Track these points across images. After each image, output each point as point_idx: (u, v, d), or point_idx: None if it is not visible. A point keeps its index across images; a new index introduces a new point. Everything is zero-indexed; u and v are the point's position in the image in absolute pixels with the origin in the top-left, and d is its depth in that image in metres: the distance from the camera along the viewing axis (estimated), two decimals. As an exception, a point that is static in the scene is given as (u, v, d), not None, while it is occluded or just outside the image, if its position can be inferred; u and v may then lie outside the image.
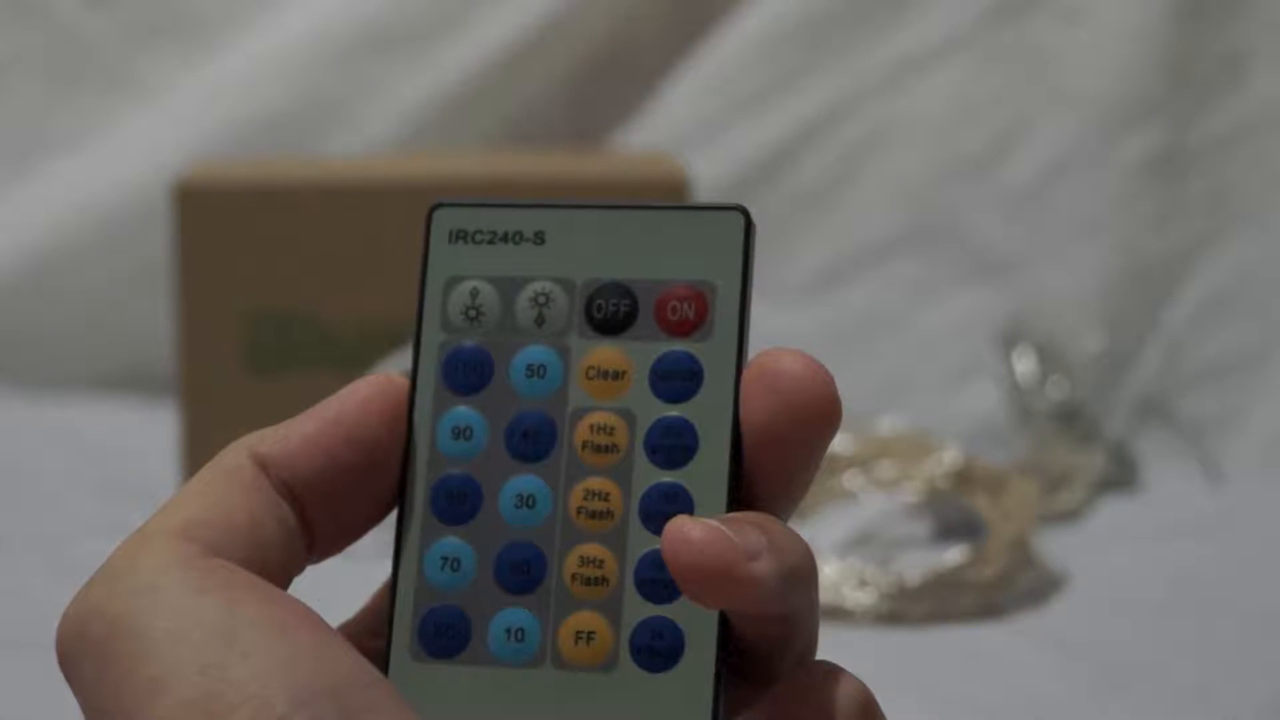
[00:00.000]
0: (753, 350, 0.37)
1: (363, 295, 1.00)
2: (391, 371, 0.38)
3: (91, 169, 1.30)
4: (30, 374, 1.27)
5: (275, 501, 0.36)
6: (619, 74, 1.31)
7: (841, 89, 1.25)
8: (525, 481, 0.37)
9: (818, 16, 1.25)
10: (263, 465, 0.37)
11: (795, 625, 0.36)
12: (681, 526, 0.34)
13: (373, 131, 1.28)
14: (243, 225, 1.00)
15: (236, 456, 0.37)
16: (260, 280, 1.01)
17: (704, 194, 1.13)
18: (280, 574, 0.36)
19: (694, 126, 1.26)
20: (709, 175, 1.20)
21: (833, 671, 0.36)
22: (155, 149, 1.26)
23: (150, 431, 1.10)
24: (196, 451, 0.98)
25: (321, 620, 0.35)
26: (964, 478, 0.93)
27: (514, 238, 0.39)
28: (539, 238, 0.38)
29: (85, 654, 0.34)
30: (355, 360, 0.98)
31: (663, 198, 0.97)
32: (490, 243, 0.39)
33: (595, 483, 0.37)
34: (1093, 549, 0.93)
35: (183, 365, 1.00)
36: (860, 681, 0.36)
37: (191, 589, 0.34)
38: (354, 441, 0.37)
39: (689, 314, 0.37)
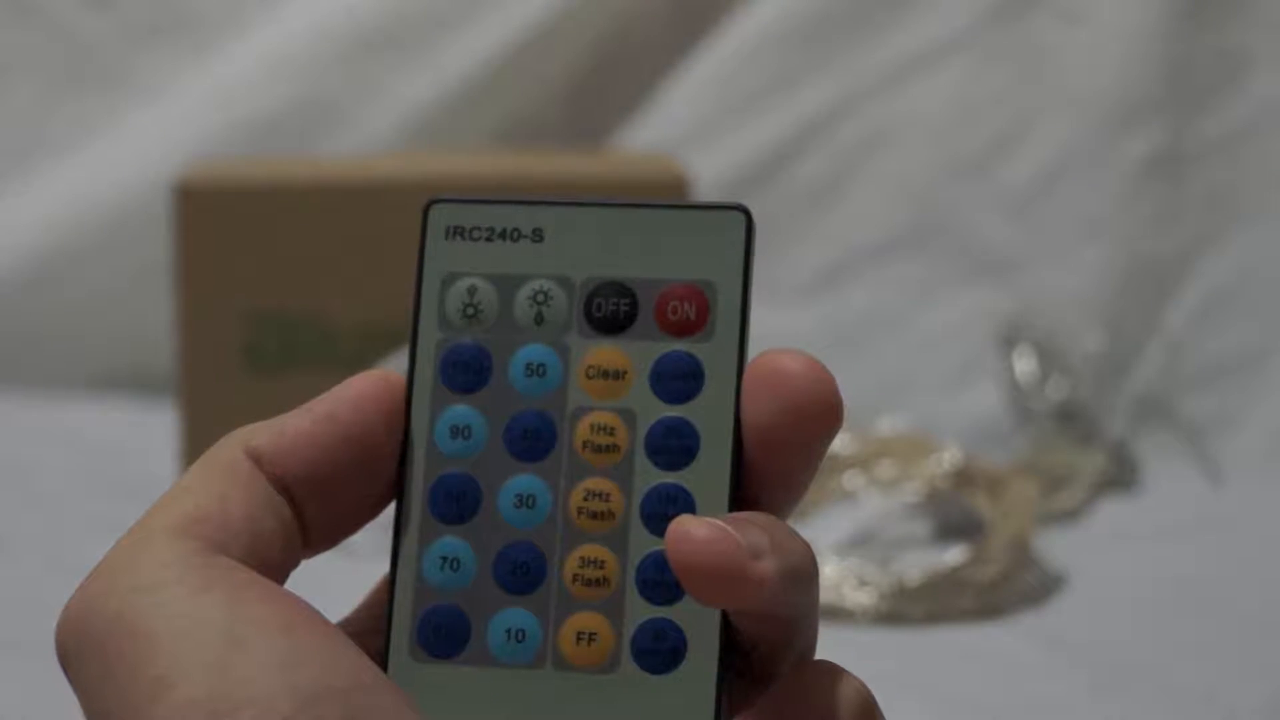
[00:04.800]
0: (753, 350, 0.37)
1: (363, 295, 1.00)
2: (388, 368, 0.38)
3: (91, 169, 1.30)
4: (30, 374, 1.27)
5: (271, 496, 0.36)
6: (619, 74, 1.31)
7: (841, 89, 1.25)
8: (525, 481, 0.37)
9: (818, 16, 1.25)
10: (256, 460, 0.36)
11: (796, 625, 0.36)
12: (685, 526, 0.34)
13: (373, 131, 1.28)
14: (243, 225, 1.00)
15: (231, 451, 0.37)
16: (260, 280, 1.01)
17: (704, 194, 1.13)
18: (278, 568, 0.36)
19: (694, 126, 1.26)
20: (709, 175, 1.20)
21: (833, 671, 0.36)
22: (155, 149, 1.26)
23: (150, 431, 1.10)
24: (196, 452, 0.98)
25: (324, 619, 0.34)
26: (964, 478, 0.93)
27: (512, 235, 0.38)
28: (537, 235, 0.38)
29: (87, 653, 0.34)
30: (355, 360, 0.98)
31: (663, 198, 0.97)
32: (488, 240, 0.38)
33: (595, 483, 0.37)
34: (1093, 549, 0.93)
35: (183, 365, 1.00)
36: (860, 681, 0.36)
37: (193, 588, 0.34)
38: (349, 438, 0.37)
39: (690, 314, 0.37)
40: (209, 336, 1.00)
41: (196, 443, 0.99)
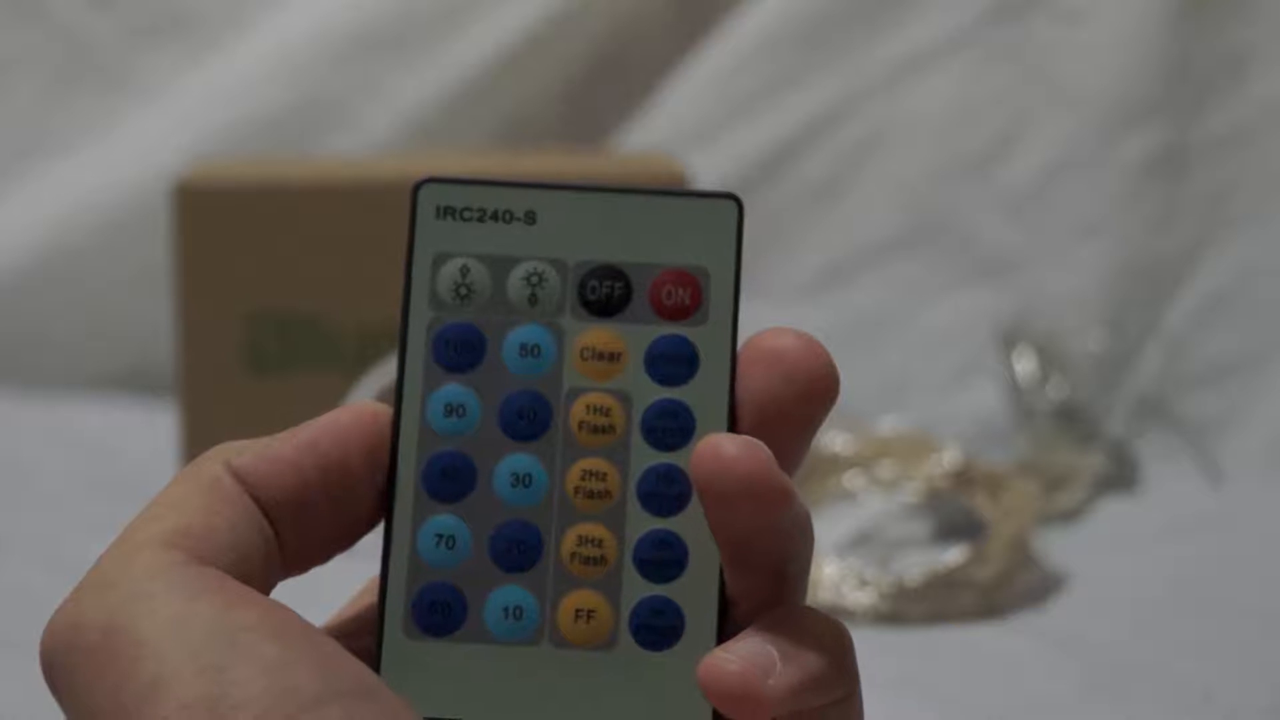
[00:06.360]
0: (742, 337, 0.38)
1: (363, 295, 1.00)
2: (372, 400, 0.38)
3: (91, 169, 1.30)
4: (30, 374, 1.27)
5: (255, 514, 0.36)
6: (619, 74, 1.31)
7: (841, 89, 1.25)
8: (520, 460, 0.37)
9: (818, 16, 1.25)
10: (237, 479, 0.36)
11: (792, 588, 0.37)
12: (715, 440, 0.35)
13: (373, 131, 1.28)
14: (243, 225, 1.00)
15: (213, 468, 0.37)
16: (260, 280, 1.01)
17: (704, 194, 1.13)
18: (261, 585, 0.36)
19: (694, 126, 1.26)
20: (709, 175, 1.20)
21: (813, 610, 0.37)
22: (155, 149, 1.26)
23: (150, 431, 1.10)
24: (196, 452, 0.97)
25: (313, 626, 0.35)
26: (964, 478, 0.93)
27: (504, 216, 0.38)
28: (529, 217, 0.38)
29: (77, 663, 0.34)
30: (355, 360, 0.98)
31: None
32: (480, 221, 0.38)
33: (592, 463, 0.37)
34: (1093, 549, 0.93)
35: (183, 365, 1.00)
36: (840, 621, 0.37)
37: (185, 595, 0.34)
38: (327, 469, 0.37)
39: (684, 299, 0.38)
40: (209, 336, 1.00)
41: (196, 443, 0.98)
